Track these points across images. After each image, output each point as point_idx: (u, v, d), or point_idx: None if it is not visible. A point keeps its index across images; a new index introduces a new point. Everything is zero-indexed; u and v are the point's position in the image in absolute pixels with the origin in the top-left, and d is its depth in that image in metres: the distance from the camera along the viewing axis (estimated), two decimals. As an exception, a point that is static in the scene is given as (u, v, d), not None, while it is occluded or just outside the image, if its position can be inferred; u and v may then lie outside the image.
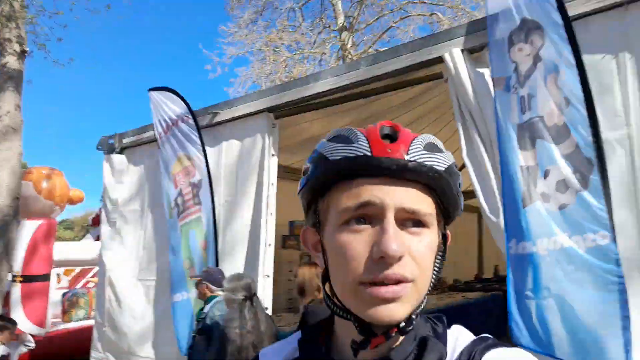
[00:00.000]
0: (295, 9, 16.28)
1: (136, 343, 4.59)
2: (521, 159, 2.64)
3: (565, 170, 2.47)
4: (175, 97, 4.50)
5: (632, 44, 2.60)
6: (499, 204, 2.85)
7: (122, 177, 5.10)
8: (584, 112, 2.44)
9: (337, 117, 5.44)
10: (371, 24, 16.33)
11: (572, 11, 2.67)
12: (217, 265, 4.01)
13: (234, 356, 2.98)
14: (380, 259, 0.64)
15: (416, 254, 0.66)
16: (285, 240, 7.44)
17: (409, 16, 15.83)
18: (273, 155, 4.02)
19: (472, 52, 3.14)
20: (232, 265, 4.05)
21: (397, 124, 0.72)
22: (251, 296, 3.23)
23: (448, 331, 0.76)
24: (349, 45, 15.11)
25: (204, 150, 4.23)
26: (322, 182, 0.71)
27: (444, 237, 0.75)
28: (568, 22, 2.56)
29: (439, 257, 0.73)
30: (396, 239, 0.64)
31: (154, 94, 4.69)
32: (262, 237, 3.90)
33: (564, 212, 2.46)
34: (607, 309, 2.26)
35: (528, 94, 2.67)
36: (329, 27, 16.25)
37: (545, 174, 2.55)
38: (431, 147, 0.70)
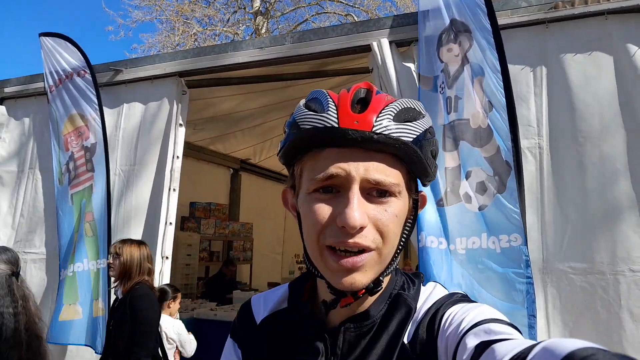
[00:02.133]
0: (211, -17, 15.63)
1: (8, 323, 4.01)
2: (446, 160, 2.67)
3: (486, 172, 2.55)
4: (71, 46, 3.99)
5: (549, 60, 2.75)
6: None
7: (0, 132, 4.44)
8: (505, 117, 2.53)
9: (248, 97, 5.24)
10: (287, 14, 16.21)
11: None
12: (109, 241, 3.60)
13: (9, 343, 2.50)
14: (343, 228, 0.67)
15: (379, 224, 0.69)
16: (185, 222, 7.05)
17: (324, 12, 15.96)
18: (181, 125, 3.71)
19: (400, 46, 3.13)
20: (126, 242, 3.70)
21: (373, 87, 0.73)
22: (18, 272, 2.85)
23: (423, 287, 0.80)
24: (263, 31, 14.84)
25: (102, 111, 3.80)
26: (295, 149, 0.74)
27: (416, 201, 0.77)
28: (497, 29, 2.64)
29: (409, 221, 0.77)
30: (358, 209, 0.67)
31: (46, 39, 4.12)
32: (162, 215, 3.57)
33: (483, 214, 2.54)
34: (515, 307, 2.36)
35: (455, 95, 2.71)
36: (244, 8, 15.84)
37: (467, 175, 2.61)
38: (403, 116, 0.70)
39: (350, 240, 0.67)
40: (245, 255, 8.10)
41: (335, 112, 0.69)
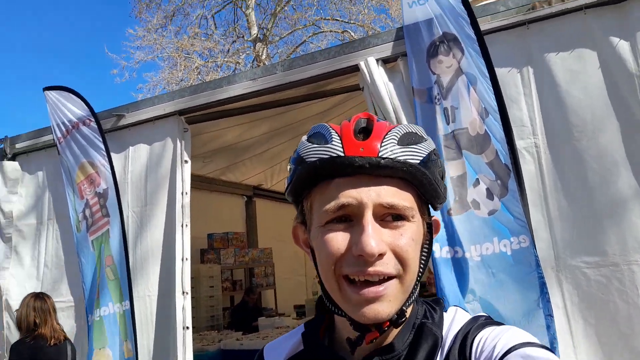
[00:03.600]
0: (207, 17, 16.00)
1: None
2: (450, 169, 2.71)
3: (489, 178, 2.59)
4: (74, 97, 4.13)
5: (534, 60, 2.78)
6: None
7: (16, 187, 4.57)
8: (499, 121, 2.58)
9: (251, 125, 5.35)
10: (285, 37, 16.48)
11: (478, 28, 2.81)
12: (129, 283, 3.68)
13: None
14: (360, 257, 0.65)
15: (398, 250, 0.67)
16: (204, 254, 7.13)
17: (321, 32, 16.17)
18: (186, 161, 3.81)
19: (387, 62, 3.20)
20: (146, 282, 3.76)
21: (373, 116, 0.73)
22: None
23: (445, 314, 0.78)
24: (263, 57, 15.08)
25: (109, 157, 3.92)
26: (303, 183, 0.73)
27: (430, 225, 0.76)
28: (481, 36, 2.70)
29: (426, 247, 0.75)
30: (374, 236, 0.65)
31: (51, 93, 4.28)
32: (177, 251, 3.63)
33: (493, 218, 2.57)
34: (531, 308, 2.37)
35: (451, 105, 2.77)
36: (243, 37, 16.14)
37: (475, 183, 2.64)
38: (406, 140, 0.70)
39: (370, 269, 0.65)
40: (267, 281, 8.14)
41: (340, 141, 0.69)
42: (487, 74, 2.66)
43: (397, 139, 0.70)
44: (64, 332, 3.35)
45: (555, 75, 2.69)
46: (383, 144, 0.68)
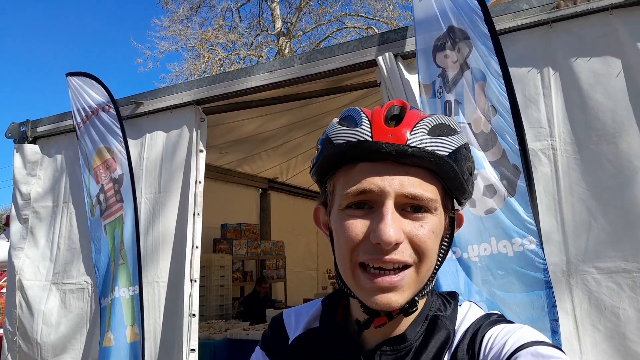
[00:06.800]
0: (232, 9, 16.06)
1: (51, 353, 4.14)
2: None
3: (493, 176, 2.53)
4: (95, 83, 4.19)
5: (556, 61, 2.71)
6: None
7: (35, 170, 4.65)
8: (511, 120, 2.51)
9: (269, 118, 5.34)
10: (308, 32, 16.47)
11: (499, 25, 2.76)
12: (139, 268, 3.71)
13: None
14: (377, 245, 0.65)
15: (416, 240, 0.67)
16: (217, 244, 7.19)
17: (345, 28, 16.11)
18: (201, 151, 3.83)
19: (406, 58, 3.16)
20: (156, 268, 3.80)
21: (406, 104, 0.73)
22: None
23: (459, 308, 0.78)
24: (286, 51, 15.09)
25: (126, 143, 3.96)
26: (328, 165, 0.73)
27: (452, 220, 0.75)
28: (495, 33, 2.63)
29: (446, 241, 0.74)
30: (393, 225, 0.65)
31: (73, 79, 4.34)
32: (188, 239, 3.67)
33: (491, 217, 2.51)
34: (536, 313, 2.32)
35: (455, 99, 2.71)
36: (267, 30, 16.17)
37: None
38: (437, 131, 0.69)
39: (386, 257, 0.65)
40: (278, 273, 8.16)
41: (369, 126, 0.68)
42: (500, 72, 2.59)
43: (428, 129, 0.68)
44: None
45: (577, 76, 2.63)
46: (412, 133, 0.67)
